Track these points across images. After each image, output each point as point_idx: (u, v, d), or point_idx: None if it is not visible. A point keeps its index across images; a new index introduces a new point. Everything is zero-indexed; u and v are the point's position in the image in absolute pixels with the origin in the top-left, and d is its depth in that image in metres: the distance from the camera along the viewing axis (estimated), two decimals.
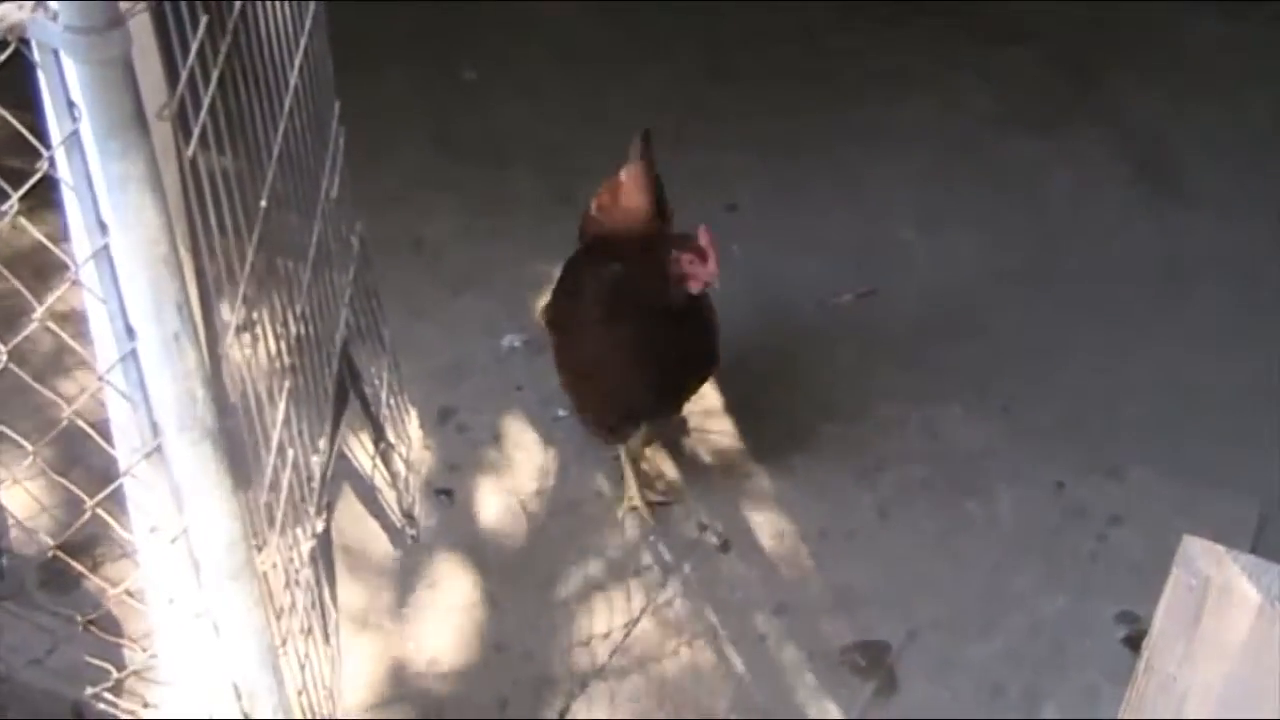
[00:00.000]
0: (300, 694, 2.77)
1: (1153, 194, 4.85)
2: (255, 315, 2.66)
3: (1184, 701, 1.98)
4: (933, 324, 4.36)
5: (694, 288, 3.38)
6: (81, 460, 3.28)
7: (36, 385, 2.33)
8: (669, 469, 3.85)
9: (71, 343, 2.27)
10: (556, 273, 4.24)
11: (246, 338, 2.57)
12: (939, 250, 4.63)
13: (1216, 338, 4.30)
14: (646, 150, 3.75)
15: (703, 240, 3.36)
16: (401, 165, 4.83)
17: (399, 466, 3.62)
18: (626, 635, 3.46)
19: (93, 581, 2.87)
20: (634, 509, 3.73)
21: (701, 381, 3.72)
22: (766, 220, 4.67)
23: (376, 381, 3.60)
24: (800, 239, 4.63)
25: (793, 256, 4.55)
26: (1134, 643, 2.03)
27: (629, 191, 3.74)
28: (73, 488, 2.52)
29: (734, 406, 3.70)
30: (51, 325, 2.16)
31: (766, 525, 3.73)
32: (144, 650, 2.75)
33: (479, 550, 3.69)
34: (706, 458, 3.83)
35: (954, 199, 4.83)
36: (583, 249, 3.82)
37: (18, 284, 2.40)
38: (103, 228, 1.99)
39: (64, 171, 1.97)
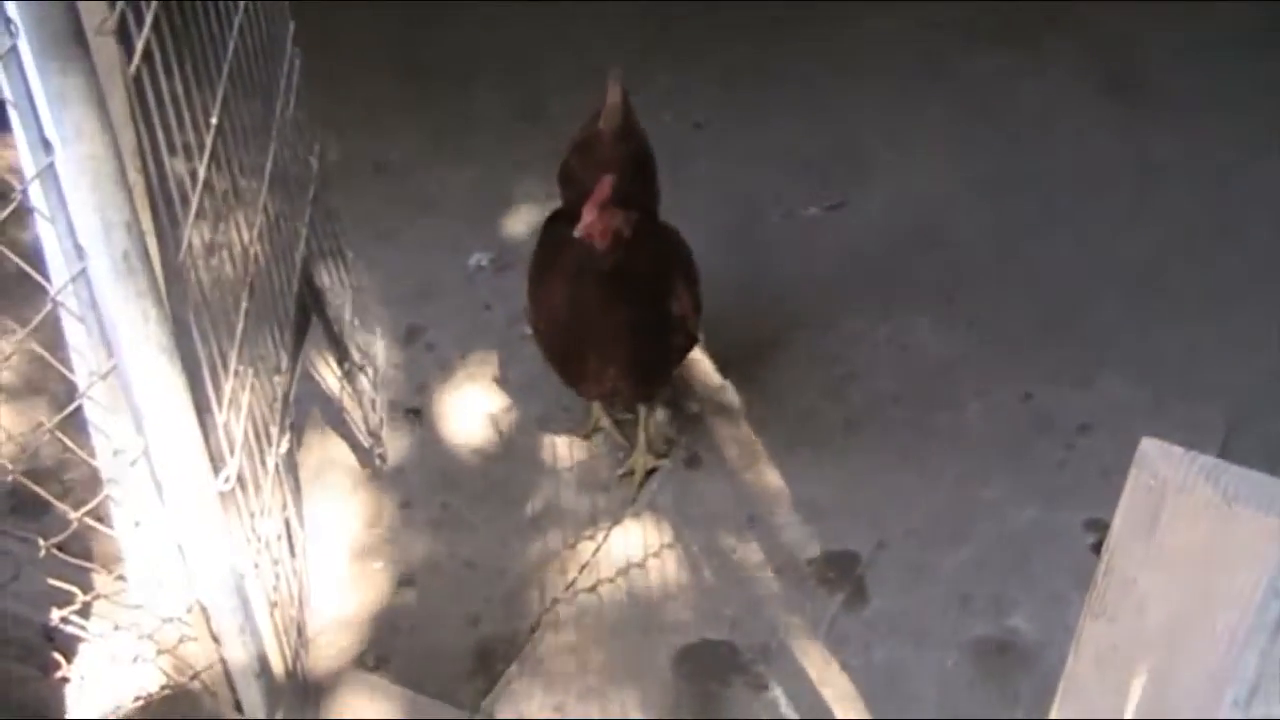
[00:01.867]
0: (270, 614, 2.78)
1: (1121, 101, 4.83)
2: (212, 235, 2.64)
3: (1144, 603, 1.98)
4: (900, 236, 4.36)
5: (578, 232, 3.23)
6: (51, 386, 3.28)
7: None
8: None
9: (23, 264, 2.24)
10: (522, 190, 4.24)
11: (204, 259, 2.55)
12: (906, 163, 4.62)
13: (1186, 242, 4.29)
14: (625, 100, 3.60)
15: (602, 189, 3.21)
16: (363, 88, 4.80)
17: (365, 386, 3.61)
18: (596, 551, 3.47)
19: (59, 506, 2.87)
20: (599, 430, 3.72)
21: (624, 378, 3.49)
22: (733, 138, 4.65)
23: (339, 302, 3.58)
24: (767, 154, 4.62)
25: (759, 171, 4.54)
26: (1100, 549, 2.04)
27: (604, 145, 3.58)
28: (31, 414, 2.51)
29: (702, 320, 3.67)
30: (4, 249, 2.14)
31: (734, 439, 3.73)
32: (111, 573, 2.76)
33: (448, 469, 3.69)
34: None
35: (921, 112, 4.81)
36: (555, 212, 3.67)
37: None
38: (47, 146, 1.97)
39: (4, 89, 1.95)
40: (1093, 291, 4.17)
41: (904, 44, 5.06)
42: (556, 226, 3.52)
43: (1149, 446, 1.98)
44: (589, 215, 3.17)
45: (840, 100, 4.85)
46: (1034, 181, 4.55)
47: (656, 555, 3.46)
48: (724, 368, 3.91)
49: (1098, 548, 2.06)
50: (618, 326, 3.35)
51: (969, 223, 4.40)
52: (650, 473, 3.65)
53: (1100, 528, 3.43)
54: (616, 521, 3.54)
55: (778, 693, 3.19)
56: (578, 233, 3.17)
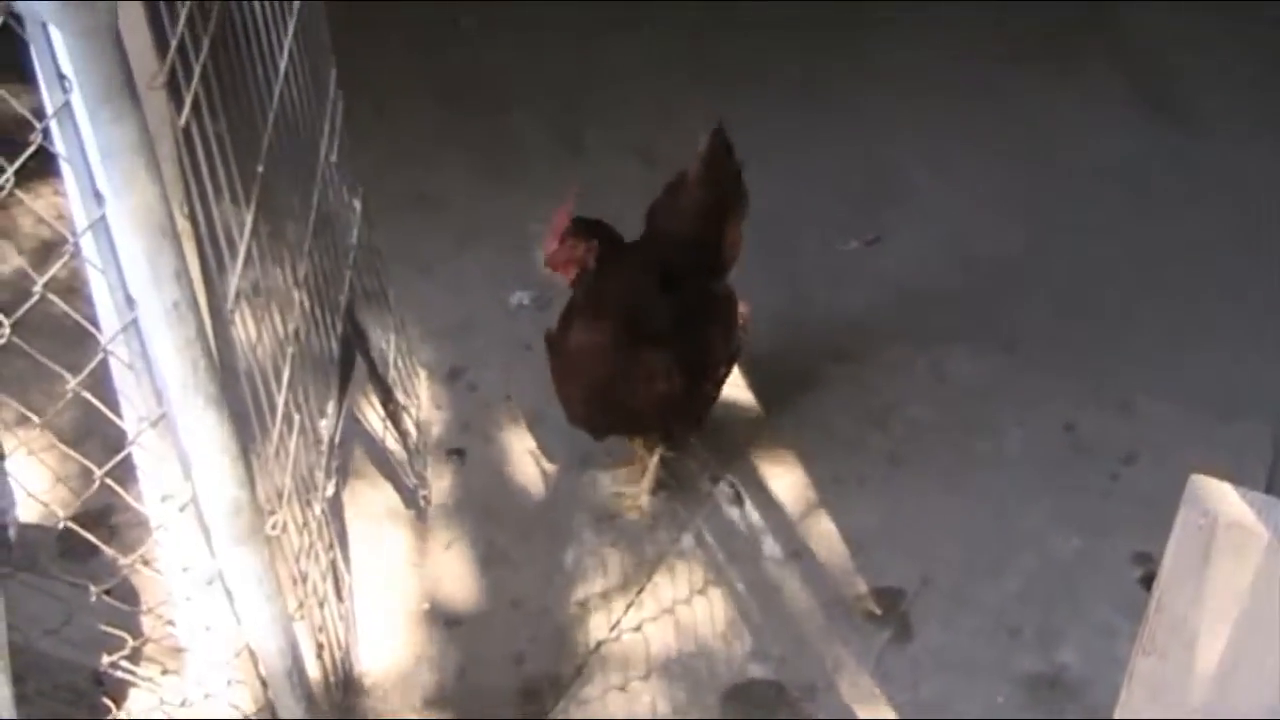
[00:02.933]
0: (317, 656, 2.79)
1: (1161, 123, 4.83)
2: (258, 282, 2.66)
3: (1196, 640, 1.98)
4: (938, 263, 4.35)
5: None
6: (96, 431, 3.30)
7: (43, 359, 2.32)
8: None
9: (74, 315, 2.27)
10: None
11: (249, 305, 2.57)
12: (945, 188, 4.62)
13: (1225, 262, 4.28)
14: (713, 147, 3.60)
15: (556, 220, 3.28)
16: (402, 120, 4.82)
17: (409, 427, 3.63)
18: (641, 590, 3.47)
19: (108, 551, 2.89)
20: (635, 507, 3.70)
21: (657, 423, 3.57)
22: (773, 167, 4.64)
23: (383, 343, 3.60)
24: (806, 184, 4.62)
25: (799, 201, 4.53)
26: (1150, 582, 2.03)
27: (686, 190, 3.59)
28: (82, 459, 2.52)
29: (742, 354, 3.68)
30: (53, 296, 2.16)
31: (777, 473, 3.73)
32: (160, 618, 2.77)
33: (492, 508, 3.69)
34: (716, 407, 3.82)
35: (961, 136, 4.81)
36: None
37: (19, 259, 2.42)
38: (98, 198, 2.00)
39: (59, 143, 1.98)
40: (1133, 315, 4.16)
41: (944, 67, 5.06)
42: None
43: (1198, 483, 1.98)
44: (549, 245, 3.25)
45: (880, 126, 4.85)
46: (1072, 205, 4.54)
47: (702, 593, 3.45)
48: (766, 401, 3.91)
49: (1147, 582, 2.06)
50: (588, 360, 3.38)
51: (1007, 248, 4.39)
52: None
53: (1147, 559, 3.41)
54: (662, 559, 3.54)
55: None
56: (545, 264, 3.27)
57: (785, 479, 3.72)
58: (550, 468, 3.76)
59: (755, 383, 3.93)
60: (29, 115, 2.00)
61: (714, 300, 3.59)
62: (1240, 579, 1.95)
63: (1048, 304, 4.21)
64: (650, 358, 3.37)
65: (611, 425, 3.59)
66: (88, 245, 2.11)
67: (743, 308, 3.66)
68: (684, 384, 3.43)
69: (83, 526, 2.62)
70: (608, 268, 3.30)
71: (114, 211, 2.02)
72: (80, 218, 2.08)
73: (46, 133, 1.99)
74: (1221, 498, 1.93)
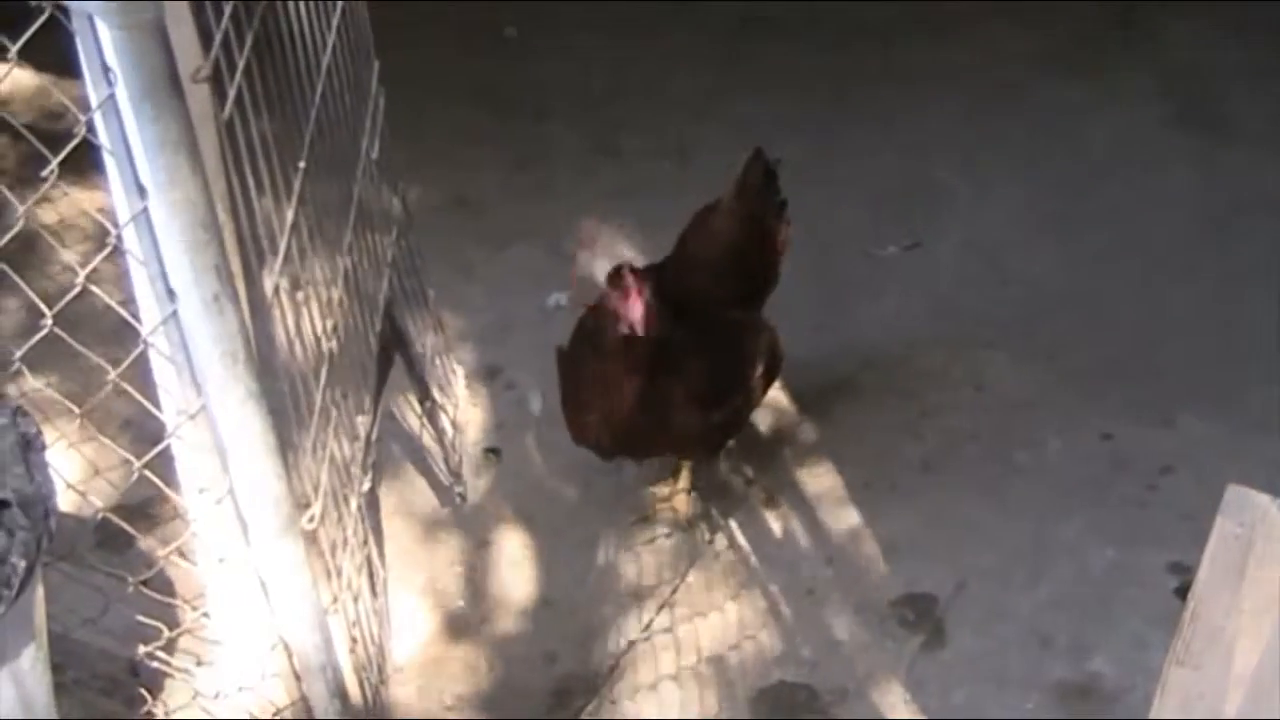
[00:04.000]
0: (351, 652, 2.80)
1: (1194, 133, 4.80)
2: (299, 278, 2.68)
3: (1232, 651, 1.97)
4: (975, 271, 4.35)
5: (620, 330, 3.21)
6: (134, 424, 3.33)
7: (83, 350, 2.35)
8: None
9: (116, 306, 2.29)
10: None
11: (289, 301, 2.59)
12: (981, 197, 4.61)
13: (1262, 277, 4.24)
14: (746, 176, 3.58)
15: (627, 279, 3.21)
16: (444, 123, 4.84)
17: (446, 426, 3.64)
18: (674, 590, 3.47)
19: (145, 542, 2.91)
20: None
21: (679, 450, 3.60)
22: (809, 173, 4.63)
23: (421, 342, 3.61)
24: (842, 190, 4.62)
25: (835, 208, 4.53)
26: (1184, 593, 2.02)
27: (718, 217, 3.58)
28: (120, 450, 2.55)
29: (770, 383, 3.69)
30: (95, 289, 2.17)
31: (812, 478, 3.73)
32: (196, 609, 2.79)
33: (527, 508, 3.70)
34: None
35: (996, 145, 4.80)
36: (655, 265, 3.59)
37: (61, 249, 2.44)
38: (141, 191, 2.01)
39: (102, 136, 1.99)
40: (1169, 326, 4.13)
41: (979, 76, 5.05)
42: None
43: (1234, 494, 1.97)
44: (634, 307, 3.17)
45: (915, 134, 4.85)
46: (1108, 215, 4.52)
47: (734, 596, 3.45)
48: (801, 406, 3.91)
49: (1182, 593, 2.05)
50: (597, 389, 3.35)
51: (1043, 258, 4.38)
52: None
53: (1182, 570, 3.40)
54: (695, 561, 3.54)
55: None
56: (623, 330, 3.18)
57: (819, 483, 3.72)
58: (585, 468, 3.76)
59: (790, 387, 3.92)
60: (73, 107, 2.02)
61: (735, 329, 3.53)
62: (1277, 589, 1.94)
63: (1086, 314, 4.19)
64: (659, 388, 3.34)
65: (619, 451, 3.55)
66: (129, 238, 2.13)
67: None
68: (695, 415, 3.41)
69: (119, 519, 2.65)
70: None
71: (156, 204, 2.03)
72: (122, 210, 2.10)
73: (90, 125, 2.00)
74: (1259, 508, 1.92)
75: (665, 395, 3.34)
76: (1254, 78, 4.96)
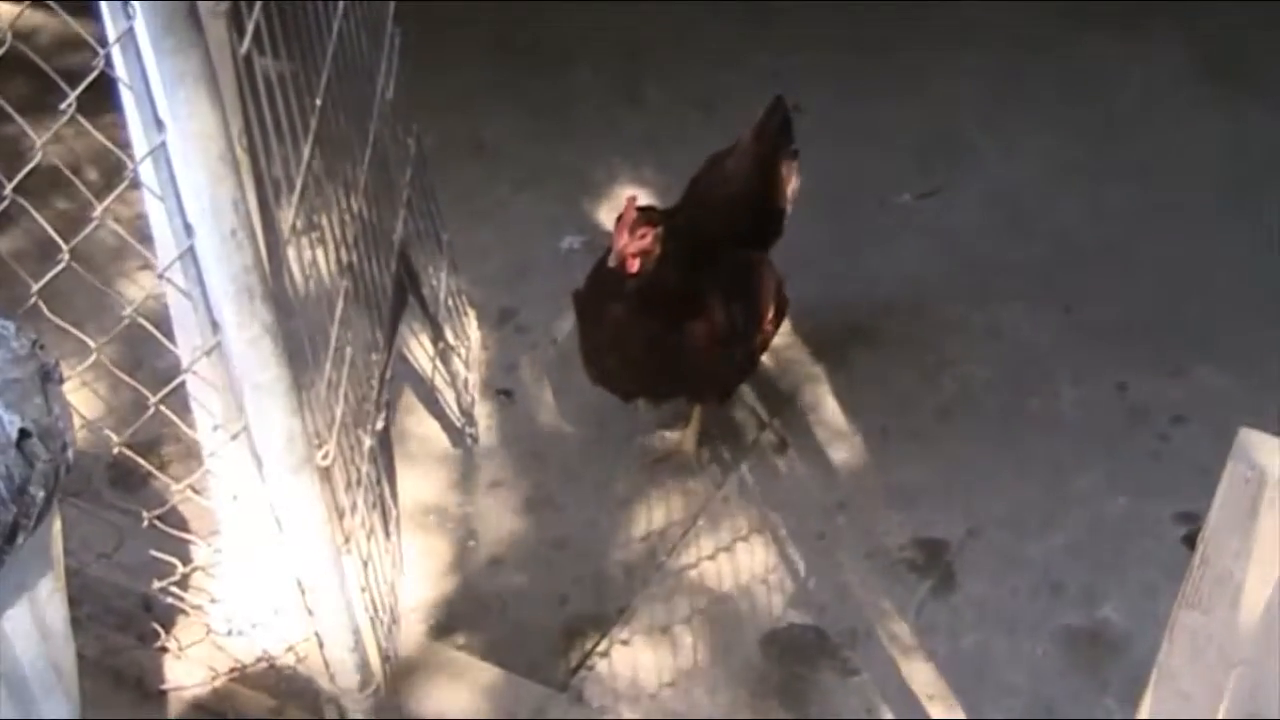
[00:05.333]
0: (363, 590, 2.82)
1: (1225, 87, 4.75)
2: (314, 216, 2.68)
3: (1240, 595, 1.97)
4: (996, 222, 4.33)
5: (610, 262, 3.19)
6: (147, 362, 3.34)
7: (99, 285, 2.35)
8: None
9: (131, 240, 2.29)
10: (618, 173, 4.22)
11: (305, 238, 2.59)
12: (1004, 148, 4.58)
13: None
14: (766, 122, 3.56)
15: (628, 212, 3.17)
16: (463, 68, 4.82)
17: (458, 367, 3.65)
18: (685, 533, 3.49)
19: (160, 479, 2.93)
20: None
21: (695, 391, 3.60)
22: (831, 121, 4.62)
23: (434, 283, 3.62)
24: (864, 138, 4.59)
25: (856, 156, 4.51)
26: (1193, 541, 2.02)
27: (734, 160, 3.56)
28: (137, 385, 2.56)
29: (794, 304, 3.68)
30: (113, 224, 2.18)
31: (826, 424, 3.73)
32: (210, 546, 2.81)
33: (539, 449, 3.72)
34: (765, 356, 3.82)
35: (1022, 96, 4.76)
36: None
37: (80, 184, 2.44)
38: (159, 125, 2.02)
39: (120, 70, 1.99)
40: (1192, 281, 4.11)
41: (1006, 27, 5.00)
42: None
43: (1247, 437, 1.97)
44: (619, 237, 3.15)
45: (940, 84, 4.81)
46: (1134, 168, 4.49)
47: (745, 539, 3.47)
48: (816, 352, 3.91)
49: (1189, 540, 2.05)
50: (612, 332, 3.34)
51: (1067, 209, 4.36)
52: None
53: (1193, 519, 3.40)
54: (706, 504, 3.55)
55: (865, 678, 3.19)
56: (611, 262, 3.17)
57: (832, 429, 3.72)
58: (597, 411, 3.77)
59: (805, 332, 3.93)
60: (92, 41, 2.02)
61: (747, 269, 3.52)
62: None
63: (1108, 267, 4.17)
64: (678, 328, 3.33)
65: (638, 392, 3.59)
66: (146, 173, 2.13)
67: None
68: (715, 354, 3.41)
69: (134, 455, 2.66)
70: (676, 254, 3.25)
71: (174, 138, 2.04)
72: (140, 145, 2.10)
73: (109, 59, 2.00)
74: (1271, 452, 1.91)
75: (685, 335, 3.34)
76: None
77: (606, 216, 4.26)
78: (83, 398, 3.45)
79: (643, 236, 3.16)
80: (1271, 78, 4.78)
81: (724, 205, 3.53)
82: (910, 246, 4.26)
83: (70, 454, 2.07)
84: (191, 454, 2.84)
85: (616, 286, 3.26)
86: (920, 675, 3.19)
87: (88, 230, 2.15)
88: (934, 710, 3.13)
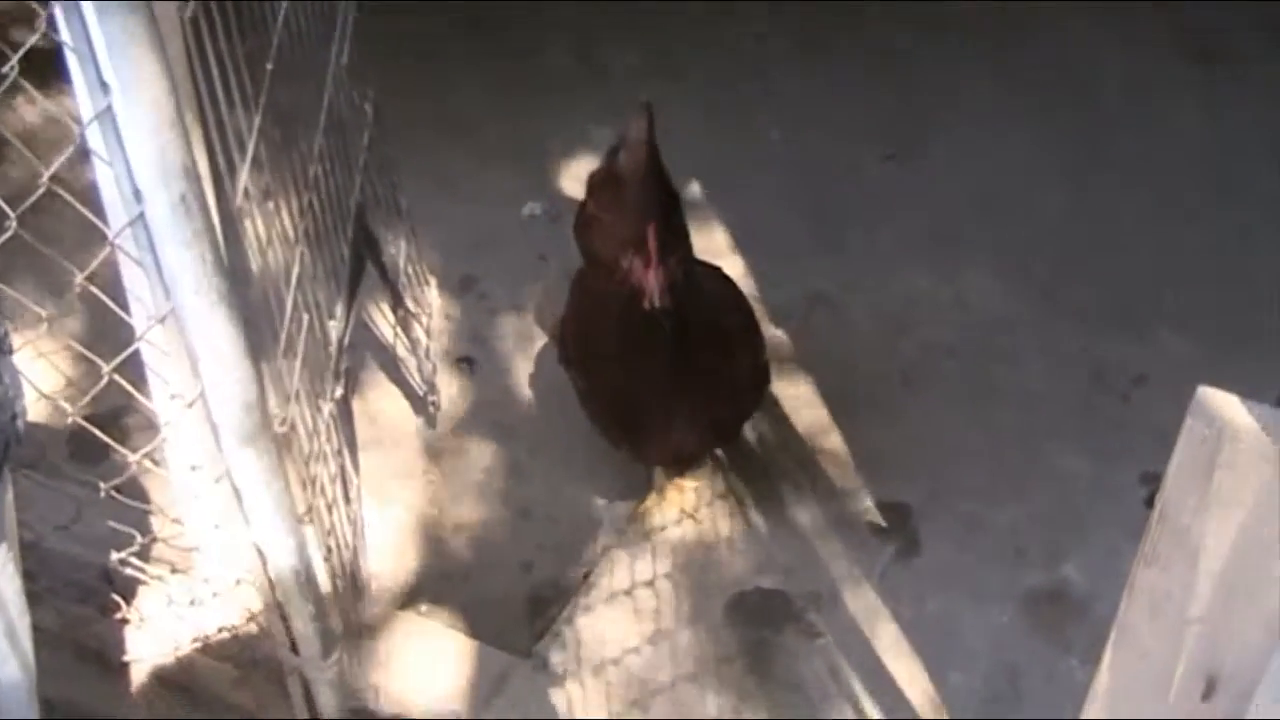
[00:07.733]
0: (325, 559, 2.81)
1: (1208, 74, 4.70)
2: (268, 182, 2.65)
3: (1198, 552, 1.97)
4: (969, 196, 4.27)
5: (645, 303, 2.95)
6: (107, 337, 3.31)
7: (48, 251, 2.33)
8: None
9: (82, 209, 2.26)
10: (580, 143, 4.18)
11: (259, 206, 2.57)
12: (982, 127, 4.50)
13: (1257, 204, 4.20)
14: (649, 131, 3.10)
15: (650, 242, 2.92)
16: (427, 39, 4.77)
17: (419, 335, 3.63)
18: (646, 499, 3.48)
19: (120, 451, 2.90)
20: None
21: (732, 425, 3.45)
22: (800, 97, 4.58)
23: (394, 250, 3.59)
24: (835, 116, 4.51)
25: (826, 131, 4.44)
26: (1153, 500, 2.03)
27: (633, 187, 3.15)
28: (93, 356, 2.53)
29: (755, 271, 3.67)
30: (61, 191, 2.15)
31: (788, 390, 3.73)
32: (169, 517, 2.79)
33: (502, 418, 3.70)
34: None
35: (1001, 77, 4.70)
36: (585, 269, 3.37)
37: (28, 152, 2.41)
38: (104, 88, 1.98)
39: (64, 32, 1.96)
40: (1168, 269, 4.06)
41: (991, 13, 4.93)
42: (590, 283, 3.32)
43: (1205, 395, 1.97)
44: (651, 280, 2.93)
45: (919, 65, 4.73)
46: (1113, 150, 4.42)
47: (710, 504, 3.47)
48: (779, 319, 3.90)
49: (1150, 501, 2.05)
50: (691, 381, 3.14)
51: (1041, 188, 4.30)
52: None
53: (1156, 481, 3.40)
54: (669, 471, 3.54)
55: (829, 641, 3.20)
56: (653, 303, 2.93)
57: (795, 396, 3.72)
58: (560, 379, 3.75)
59: (769, 300, 3.91)
60: (35, 4, 1.99)
61: (717, 277, 3.42)
62: (1245, 491, 1.94)
63: (1083, 249, 4.14)
64: (726, 354, 3.23)
65: (690, 445, 3.39)
66: (95, 139, 2.10)
67: None
68: (757, 370, 3.39)
69: (92, 427, 2.63)
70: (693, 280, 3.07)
71: (121, 103, 2.00)
72: (86, 109, 2.07)
73: (51, 21, 1.97)
74: (1229, 409, 1.91)
75: (733, 360, 3.21)
76: (1271, 23, 4.84)
77: (568, 185, 4.24)
78: (43, 369, 3.41)
79: (668, 269, 2.92)
80: (1250, 63, 4.74)
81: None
82: (878, 216, 4.22)
83: (20, 424, 2.05)
84: (152, 427, 2.81)
85: (651, 335, 2.99)
86: (884, 638, 3.20)
87: (34, 198, 2.11)
88: (898, 672, 3.14)
